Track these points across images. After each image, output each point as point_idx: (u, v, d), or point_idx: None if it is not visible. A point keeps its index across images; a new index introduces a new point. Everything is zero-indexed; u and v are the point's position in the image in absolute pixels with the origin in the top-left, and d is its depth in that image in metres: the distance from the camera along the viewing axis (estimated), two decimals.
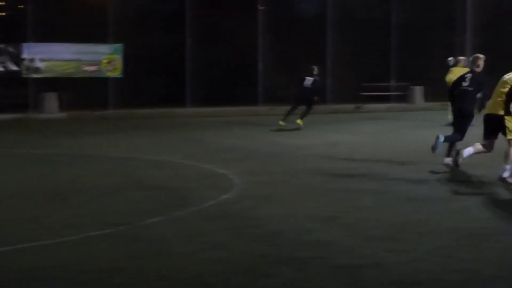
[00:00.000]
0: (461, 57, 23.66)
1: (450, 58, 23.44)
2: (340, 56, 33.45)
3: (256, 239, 8.01)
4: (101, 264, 7.06)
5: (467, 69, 15.70)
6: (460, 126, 13.42)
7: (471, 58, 14.32)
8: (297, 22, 38.24)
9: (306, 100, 22.96)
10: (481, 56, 13.74)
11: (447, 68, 22.28)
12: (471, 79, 13.41)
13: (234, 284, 6.45)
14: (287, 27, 36.91)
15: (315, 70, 23.42)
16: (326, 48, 31.49)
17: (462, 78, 13.68)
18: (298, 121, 22.25)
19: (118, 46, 30.81)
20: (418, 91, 34.52)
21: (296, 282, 6.46)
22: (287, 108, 22.71)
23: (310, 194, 10.90)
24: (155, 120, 27.22)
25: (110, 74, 30.93)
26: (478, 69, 13.59)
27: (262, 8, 32.28)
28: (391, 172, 13.00)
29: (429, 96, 36.73)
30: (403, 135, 20.19)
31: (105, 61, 30.87)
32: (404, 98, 34.44)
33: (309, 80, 23.10)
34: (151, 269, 6.90)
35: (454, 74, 19.75)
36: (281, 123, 22.18)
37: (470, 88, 13.39)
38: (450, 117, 16.83)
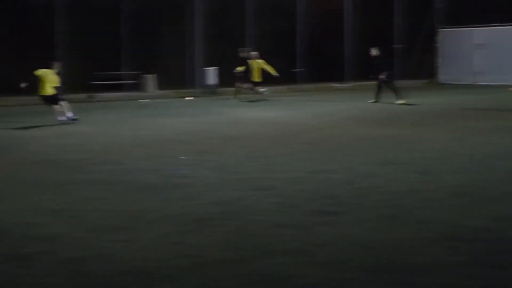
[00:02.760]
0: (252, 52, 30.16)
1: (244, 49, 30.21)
2: (71, 44, 32.85)
3: None
4: None
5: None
6: None
7: None
8: (24, 9, 37.06)
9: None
10: None
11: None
12: None
13: None
14: (13, 14, 35.68)
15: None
16: (54, 36, 30.73)
17: None
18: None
19: None
20: (150, 80, 34.75)
21: (21, 278, 6.27)
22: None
23: (38, 187, 10.62)
24: None
25: None
26: None
27: None
28: (122, 161, 12.98)
29: (162, 84, 37.09)
30: (135, 124, 20.21)
31: None
32: (137, 86, 34.48)
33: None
34: None
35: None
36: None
37: None
38: None
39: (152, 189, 10.22)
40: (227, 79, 37.20)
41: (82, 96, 31.06)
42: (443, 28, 41.18)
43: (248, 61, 29.71)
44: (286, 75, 37.84)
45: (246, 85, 29.77)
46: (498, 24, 38.59)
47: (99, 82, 33.07)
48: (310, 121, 20.02)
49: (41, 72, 20.54)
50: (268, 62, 29.86)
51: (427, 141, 15.04)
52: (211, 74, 34.84)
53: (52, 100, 20.35)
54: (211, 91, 34.55)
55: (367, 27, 40.47)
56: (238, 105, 27.02)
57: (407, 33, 39.99)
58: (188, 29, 34.82)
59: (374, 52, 26.71)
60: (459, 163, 12.07)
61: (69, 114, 20.35)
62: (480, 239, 7.22)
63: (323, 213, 8.51)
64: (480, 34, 39.56)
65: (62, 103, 20.43)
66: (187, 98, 32.20)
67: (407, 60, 39.21)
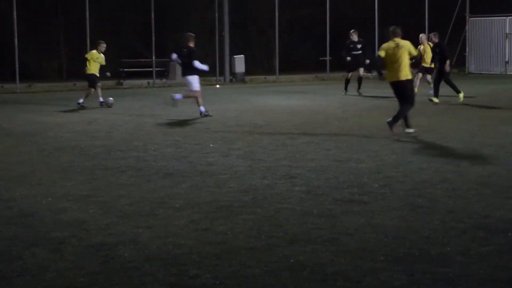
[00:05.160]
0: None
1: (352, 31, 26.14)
2: (100, 33, 33.02)
3: (9, 222, 7.72)
4: None
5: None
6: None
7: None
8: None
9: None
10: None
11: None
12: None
13: None
14: (43, 3, 35.96)
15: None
16: (85, 24, 30.84)
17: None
18: None
19: None
20: (178, 67, 34.77)
21: (51, 262, 6.29)
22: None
23: (67, 172, 10.66)
24: None
25: None
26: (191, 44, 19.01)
27: None
28: (149, 148, 12.99)
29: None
30: (161, 111, 20.19)
31: None
32: (165, 74, 34.60)
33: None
34: None
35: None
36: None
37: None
38: None
39: (180, 176, 10.21)
40: (253, 66, 37.13)
41: (111, 82, 31.18)
42: (473, 17, 40.77)
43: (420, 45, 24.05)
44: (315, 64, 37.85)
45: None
46: None
47: (128, 69, 33.25)
48: (336, 110, 19.92)
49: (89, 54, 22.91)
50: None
51: (455, 131, 14.89)
52: (239, 62, 34.82)
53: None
54: (239, 78, 34.56)
55: (393, 16, 40.09)
56: (265, 93, 26.99)
57: (437, 22, 39.62)
58: (215, 17, 34.71)
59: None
60: (488, 153, 11.95)
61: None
62: (511, 230, 7.14)
63: (351, 202, 8.47)
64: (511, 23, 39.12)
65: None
66: (217, 86, 32.23)
67: None
